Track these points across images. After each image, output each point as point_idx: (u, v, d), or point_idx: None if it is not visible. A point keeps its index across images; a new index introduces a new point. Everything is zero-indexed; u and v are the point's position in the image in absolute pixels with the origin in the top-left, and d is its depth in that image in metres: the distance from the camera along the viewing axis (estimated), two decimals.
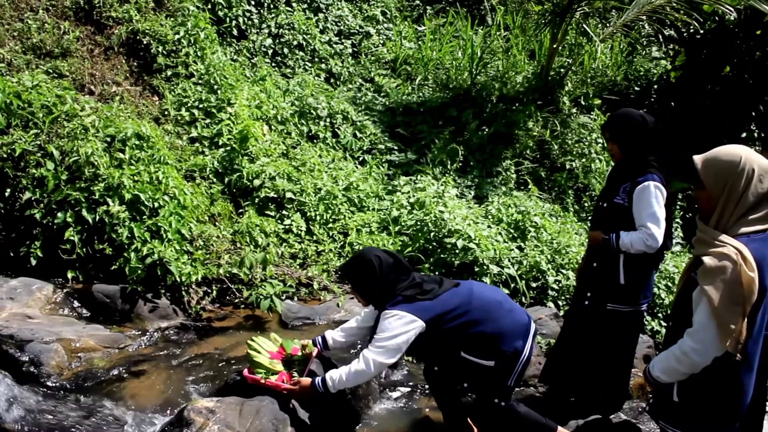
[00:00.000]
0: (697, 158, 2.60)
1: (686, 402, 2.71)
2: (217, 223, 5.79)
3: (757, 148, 8.15)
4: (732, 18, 7.90)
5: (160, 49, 6.74)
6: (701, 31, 8.28)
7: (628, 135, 3.92)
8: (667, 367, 2.67)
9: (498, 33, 9.17)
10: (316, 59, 8.35)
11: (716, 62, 8.18)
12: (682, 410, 2.73)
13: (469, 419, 4.00)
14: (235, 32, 7.89)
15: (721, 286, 2.42)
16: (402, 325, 3.39)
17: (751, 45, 8.03)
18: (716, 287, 2.43)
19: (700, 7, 7.88)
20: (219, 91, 6.68)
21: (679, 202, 7.58)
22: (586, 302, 4.15)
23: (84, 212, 4.93)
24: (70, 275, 4.96)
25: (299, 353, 4.13)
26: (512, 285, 5.75)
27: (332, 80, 8.39)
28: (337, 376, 3.47)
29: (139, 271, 4.87)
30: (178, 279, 4.98)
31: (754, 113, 8.11)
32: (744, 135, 8.10)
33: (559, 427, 3.78)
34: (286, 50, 8.14)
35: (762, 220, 2.52)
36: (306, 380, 3.58)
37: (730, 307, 2.42)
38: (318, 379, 3.50)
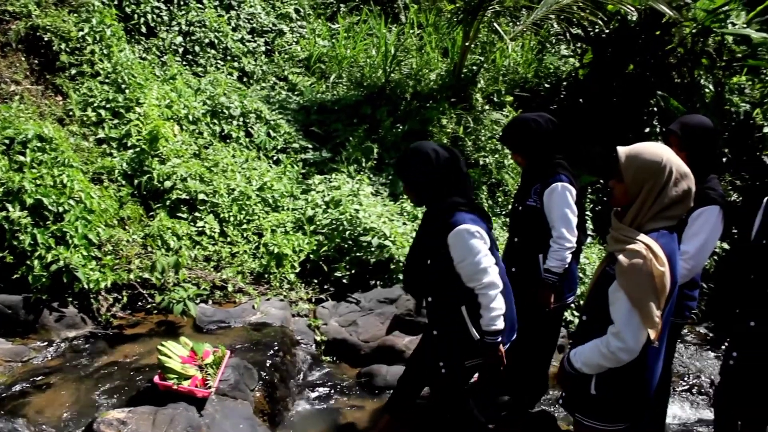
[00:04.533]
0: (621, 151, 2.64)
1: (604, 394, 2.78)
2: (126, 227, 5.62)
3: (659, 140, 8.52)
4: (634, 18, 8.22)
5: (63, 46, 6.47)
6: (606, 31, 8.57)
7: (525, 142, 4.00)
8: (591, 361, 2.72)
9: (411, 31, 9.24)
10: (229, 57, 8.21)
11: (621, 60, 8.49)
12: (598, 402, 2.81)
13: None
14: (143, 30, 7.65)
15: (637, 282, 2.49)
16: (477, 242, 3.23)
17: (652, 44, 8.37)
18: (633, 283, 2.50)
19: (605, 7, 8.16)
20: (127, 91, 6.48)
21: (588, 195, 7.82)
22: None
23: None
24: None
25: (211, 356, 4.08)
26: None
27: (245, 79, 8.26)
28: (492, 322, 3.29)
29: (44, 279, 4.69)
30: (86, 286, 4.82)
31: (655, 109, 8.45)
32: (647, 130, 8.43)
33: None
34: (197, 48, 7.97)
35: (672, 218, 2.61)
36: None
37: (650, 297, 2.50)
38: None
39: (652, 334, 2.54)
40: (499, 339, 3.35)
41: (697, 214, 3.58)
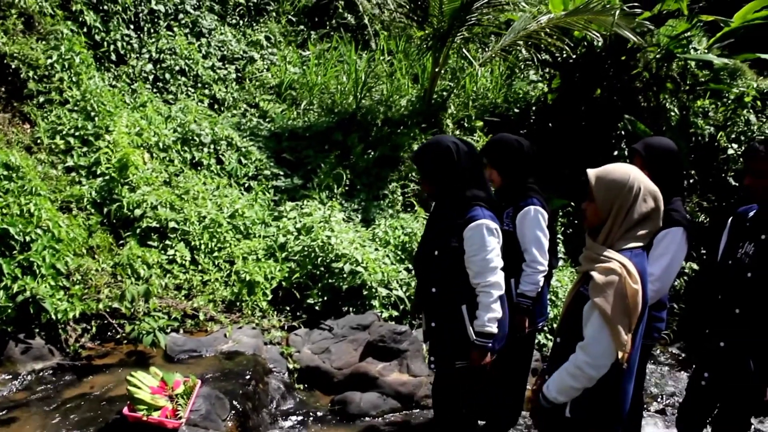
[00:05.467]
0: (591, 172, 2.69)
1: (578, 416, 2.78)
2: (96, 256, 5.55)
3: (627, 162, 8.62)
4: (599, 44, 8.38)
5: (31, 74, 6.41)
6: (573, 56, 8.71)
7: (505, 160, 4.04)
8: (562, 386, 2.73)
9: (382, 57, 9.31)
10: (199, 85, 8.18)
11: (588, 85, 8.62)
12: (573, 425, 2.81)
13: None
14: (113, 57, 7.60)
15: (611, 298, 2.52)
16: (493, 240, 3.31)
17: (618, 69, 8.53)
18: (607, 299, 2.52)
19: (571, 33, 8.30)
20: (96, 118, 6.42)
21: (559, 219, 7.89)
22: None
23: None
24: None
25: (182, 386, 4.03)
26: (401, 306, 5.81)
27: (216, 106, 8.24)
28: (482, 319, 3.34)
29: (9, 311, 4.60)
30: (53, 316, 4.73)
31: (623, 132, 8.59)
32: (616, 153, 8.55)
33: None
34: (167, 76, 7.94)
35: (643, 237, 2.65)
36: None
37: (621, 318, 2.53)
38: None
39: (621, 354, 2.56)
40: (490, 344, 3.36)
41: (662, 236, 3.62)
